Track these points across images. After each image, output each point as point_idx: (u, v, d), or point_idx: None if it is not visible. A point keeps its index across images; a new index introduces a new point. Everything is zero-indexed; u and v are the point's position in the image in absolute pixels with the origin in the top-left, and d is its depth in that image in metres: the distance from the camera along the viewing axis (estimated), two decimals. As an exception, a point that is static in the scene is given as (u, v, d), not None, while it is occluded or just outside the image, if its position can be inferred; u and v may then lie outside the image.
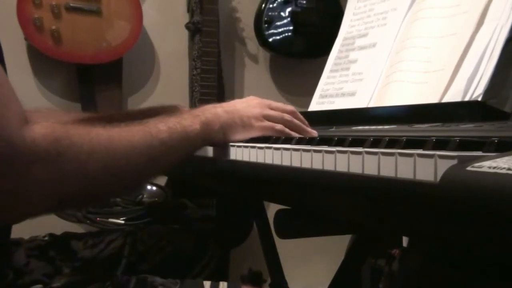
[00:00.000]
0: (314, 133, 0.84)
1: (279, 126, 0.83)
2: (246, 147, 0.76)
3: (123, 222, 1.50)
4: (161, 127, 0.71)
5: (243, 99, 0.87)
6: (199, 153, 0.86)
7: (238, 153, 0.78)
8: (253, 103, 0.85)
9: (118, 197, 1.49)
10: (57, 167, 0.58)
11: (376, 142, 0.58)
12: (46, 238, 1.01)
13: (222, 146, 0.83)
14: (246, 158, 0.75)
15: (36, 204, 0.59)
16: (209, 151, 0.87)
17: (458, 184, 0.38)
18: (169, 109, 0.95)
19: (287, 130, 0.83)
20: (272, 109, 0.86)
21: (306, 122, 0.87)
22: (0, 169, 0.55)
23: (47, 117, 0.92)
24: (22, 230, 0.98)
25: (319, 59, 1.95)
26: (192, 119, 0.76)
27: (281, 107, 0.88)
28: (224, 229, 1.83)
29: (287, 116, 0.85)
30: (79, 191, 0.62)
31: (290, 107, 0.88)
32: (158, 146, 0.69)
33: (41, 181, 0.57)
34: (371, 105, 0.88)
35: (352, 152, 0.53)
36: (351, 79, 0.95)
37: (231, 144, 0.81)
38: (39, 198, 0.59)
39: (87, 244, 1.03)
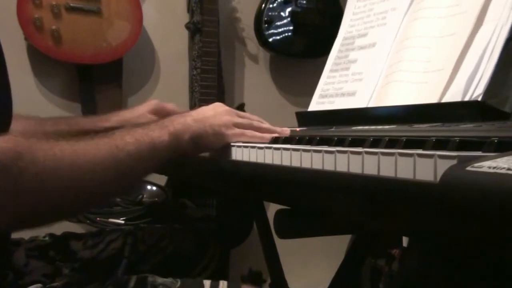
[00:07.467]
0: (286, 130, 0.84)
1: (250, 132, 0.82)
2: (246, 147, 0.75)
3: (123, 222, 1.50)
4: (128, 139, 0.69)
5: (210, 106, 0.84)
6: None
7: (238, 153, 0.78)
8: (221, 111, 0.83)
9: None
10: (16, 183, 0.55)
11: (376, 142, 0.58)
12: (46, 239, 1.01)
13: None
14: (246, 158, 0.75)
15: None
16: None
17: (458, 184, 0.38)
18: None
19: (258, 133, 0.82)
20: (240, 117, 0.85)
21: (275, 128, 0.86)
22: None
23: (28, 126, 0.91)
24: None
25: (319, 59, 1.96)
26: (160, 130, 0.74)
27: (248, 115, 0.87)
28: (224, 229, 1.83)
29: (256, 122, 0.85)
30: (41, 209, 0.59)
31: (256, 116, 0.88)
32: (124, 159, 0.67)
33: None
34: (371, 105, 0.88)
35: (352, 152, 0.53)
36: (351, 79, 0.95)
37: (231, 144, 0.81)
38: None
39: (87, 244, 1.03)
